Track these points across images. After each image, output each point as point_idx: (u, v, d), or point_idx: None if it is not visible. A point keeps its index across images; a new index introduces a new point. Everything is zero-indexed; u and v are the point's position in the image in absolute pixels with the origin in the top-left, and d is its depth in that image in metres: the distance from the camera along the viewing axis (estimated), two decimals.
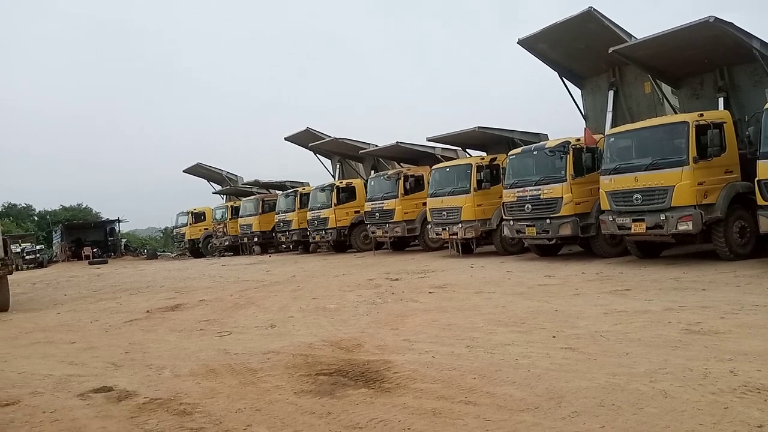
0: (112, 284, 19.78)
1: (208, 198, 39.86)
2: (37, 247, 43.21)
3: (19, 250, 36.80)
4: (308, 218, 25.99)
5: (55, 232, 48.76)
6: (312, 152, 29.29)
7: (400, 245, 22.94)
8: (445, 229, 18.17)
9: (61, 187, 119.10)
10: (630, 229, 12.51)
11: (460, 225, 17.51)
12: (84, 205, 63.62)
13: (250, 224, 30.93)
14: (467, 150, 21.24)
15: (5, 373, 7.27)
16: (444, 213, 18.21)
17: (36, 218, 61.07)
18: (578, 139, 14.49)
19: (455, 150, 21.75)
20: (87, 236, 45.83)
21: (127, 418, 5.08)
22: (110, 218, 49.19)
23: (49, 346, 9.01)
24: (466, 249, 18.32)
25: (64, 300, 15.90)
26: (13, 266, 15.44)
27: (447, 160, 20.54)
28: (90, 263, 36.60)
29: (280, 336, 8.23)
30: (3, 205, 60.70)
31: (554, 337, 6.76)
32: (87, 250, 41.95)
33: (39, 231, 53.82)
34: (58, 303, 15.29)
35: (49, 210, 61.23)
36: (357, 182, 25.73)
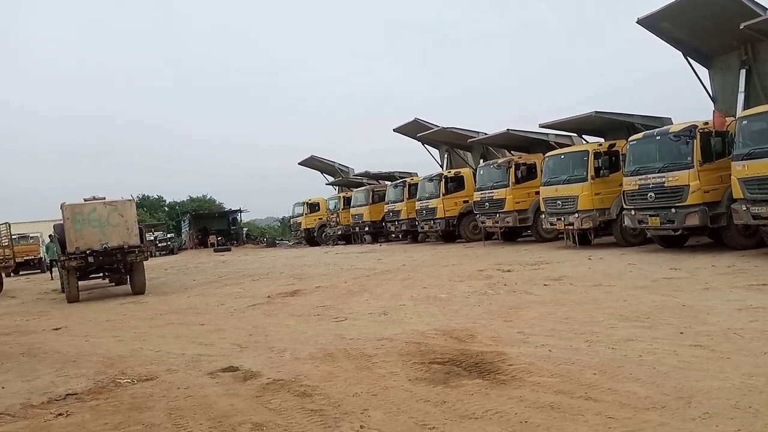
0: (235, 270, 20.98)
1: (321, 189, 41.22)
2: (168, 236, 46.74)
3: (152, 238, 39.98)
4: (417, 208, 26.14)
5: (184, 222, 52.45)
6: (420, 142, 29.42)
7: (511, 236, 22.51)
8: (560, 219, 17.60)
9: (188, 179, 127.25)
10: (767, 219, 11.51)
11: (576, 215, 16.88)
12: (209, 196, 67.84)
13: (361, 214, 31.60)
14: (583, 136, 20.41)
15: (144, 351, 7.93)
16: (559, 202, 17.64)
17: (166, 208, 65.86)
18: (706, 123, 13.48)
19: (570, 136, 20.96)
20: (212, 225, 48.88)
21: (252, 397, 5.38)
22: (233, 208, 52.09)
23: (181, 327, 9.73)
24: (583, 240, 17.64)
25: (193, 285, 17.08)
26: (149, 253, 16.78)
27: (561, 147, 19.85)
28: (215, 250, 39.04)
29: (392, 323, 8.36)
30: (137, 197, 65.98)
31: (682, 333, 6.37)
32: (212, 238, 44.77)
33: (169, 220, 58.06)
34: (188, 287, 16.44)
35: (178, 201, 65.90)
36: (465, 171, 25.53)
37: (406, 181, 28.60)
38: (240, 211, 50.38)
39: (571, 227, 17.25)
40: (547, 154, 19.06)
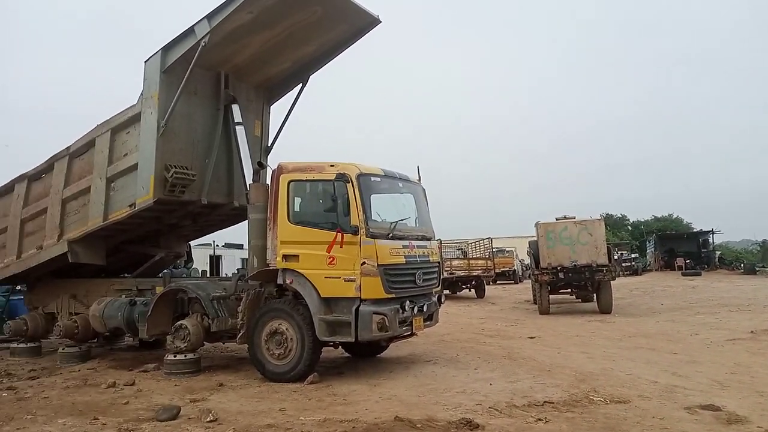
0: (707, 298, 19.18)
1: None
2: (632, 256, 45.81)
3: (616, 257, 39.82)
4: None
5: (649, 242, 50.67)
6: None
7: None
8: None
9: (651, 198, 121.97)
10: None
11: None
12: (675, 216, 64.00)
13: None
14: None
15: (614, 372, 7.91)
16: None
17: (629, 228, 64.82)
18: None
19: None
20: (679, 247, 45.79)
21: None
22: (703, 229, 47.82)
23: (651, 353, 9.36)
24: None
25: (661, 309, 16.30)
26: (616, 273, 16.77)
27: None
28: (683, 274, 36.46)
29: None
30: (601, 215, 66.59)
31: None
32: (679, 261, 41.90)
33: (633, 240, 56.95)
34: (656, 311, 15.78)
35: (642, 220, 64.11)
36: None
37: None
38: (712, 232, 45.84)
39: None
40: None
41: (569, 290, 17.27)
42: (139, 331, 9.22)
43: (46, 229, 10.19)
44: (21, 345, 10.92)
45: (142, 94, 9.00)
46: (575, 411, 5.96)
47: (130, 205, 9.06)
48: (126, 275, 10.96)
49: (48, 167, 10.38)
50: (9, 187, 10.95)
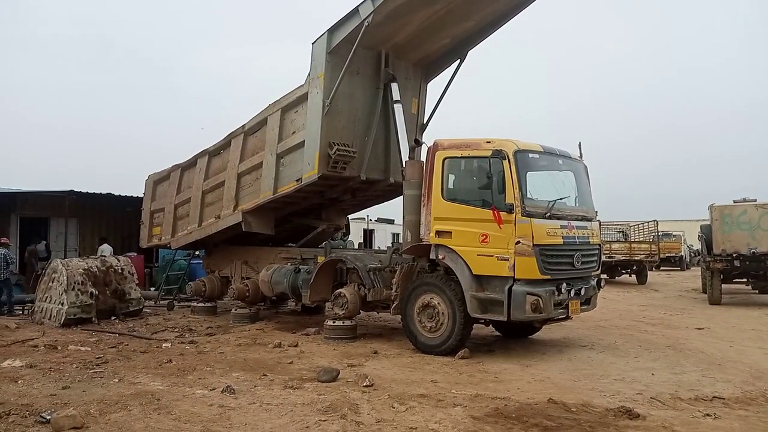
0: None
1: None
2: None
3: None
4: None
5: None
6: None
7: None
8: None
9: None
10: None
11: None
12: None
13: None
14: None
15: None
16: None
17: None
18: None
19: None
20: None
21: None
22: None
23: None
24: None
25: None
26: None
27: None
28: None
29: None
30: None
31: None
32: None
33: None
34: None
35: None
36: None
37: None
38: None
39: None
40: None
41: (745, 280, 15.70)
42: (302, 297, 9.90)
43: (223, 200, 11.21)
44: (200, 305, 12.25)
45: (309, 74, 9.52)
46: (749, 410, 5.49)
47: (297, 180, 9.69)
48: (291, 245, 11.73)
49: (226, 144, 11.37)
50: (192, 162, 12.14)
